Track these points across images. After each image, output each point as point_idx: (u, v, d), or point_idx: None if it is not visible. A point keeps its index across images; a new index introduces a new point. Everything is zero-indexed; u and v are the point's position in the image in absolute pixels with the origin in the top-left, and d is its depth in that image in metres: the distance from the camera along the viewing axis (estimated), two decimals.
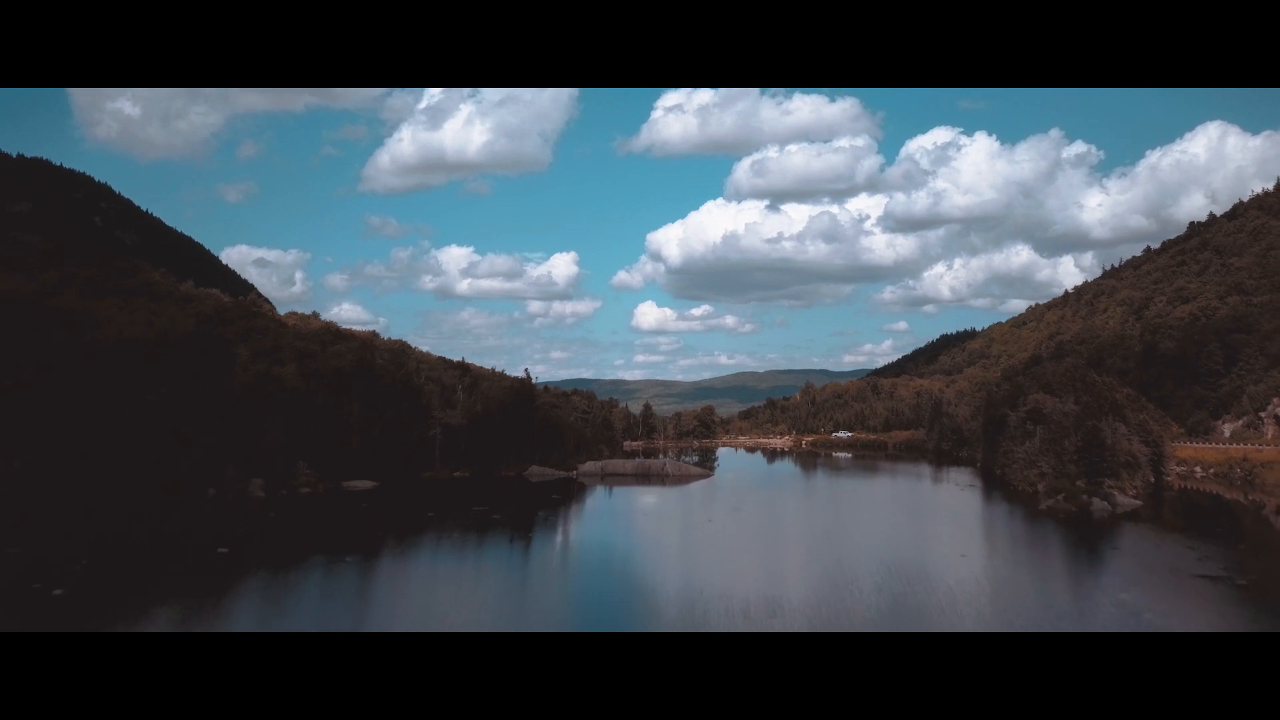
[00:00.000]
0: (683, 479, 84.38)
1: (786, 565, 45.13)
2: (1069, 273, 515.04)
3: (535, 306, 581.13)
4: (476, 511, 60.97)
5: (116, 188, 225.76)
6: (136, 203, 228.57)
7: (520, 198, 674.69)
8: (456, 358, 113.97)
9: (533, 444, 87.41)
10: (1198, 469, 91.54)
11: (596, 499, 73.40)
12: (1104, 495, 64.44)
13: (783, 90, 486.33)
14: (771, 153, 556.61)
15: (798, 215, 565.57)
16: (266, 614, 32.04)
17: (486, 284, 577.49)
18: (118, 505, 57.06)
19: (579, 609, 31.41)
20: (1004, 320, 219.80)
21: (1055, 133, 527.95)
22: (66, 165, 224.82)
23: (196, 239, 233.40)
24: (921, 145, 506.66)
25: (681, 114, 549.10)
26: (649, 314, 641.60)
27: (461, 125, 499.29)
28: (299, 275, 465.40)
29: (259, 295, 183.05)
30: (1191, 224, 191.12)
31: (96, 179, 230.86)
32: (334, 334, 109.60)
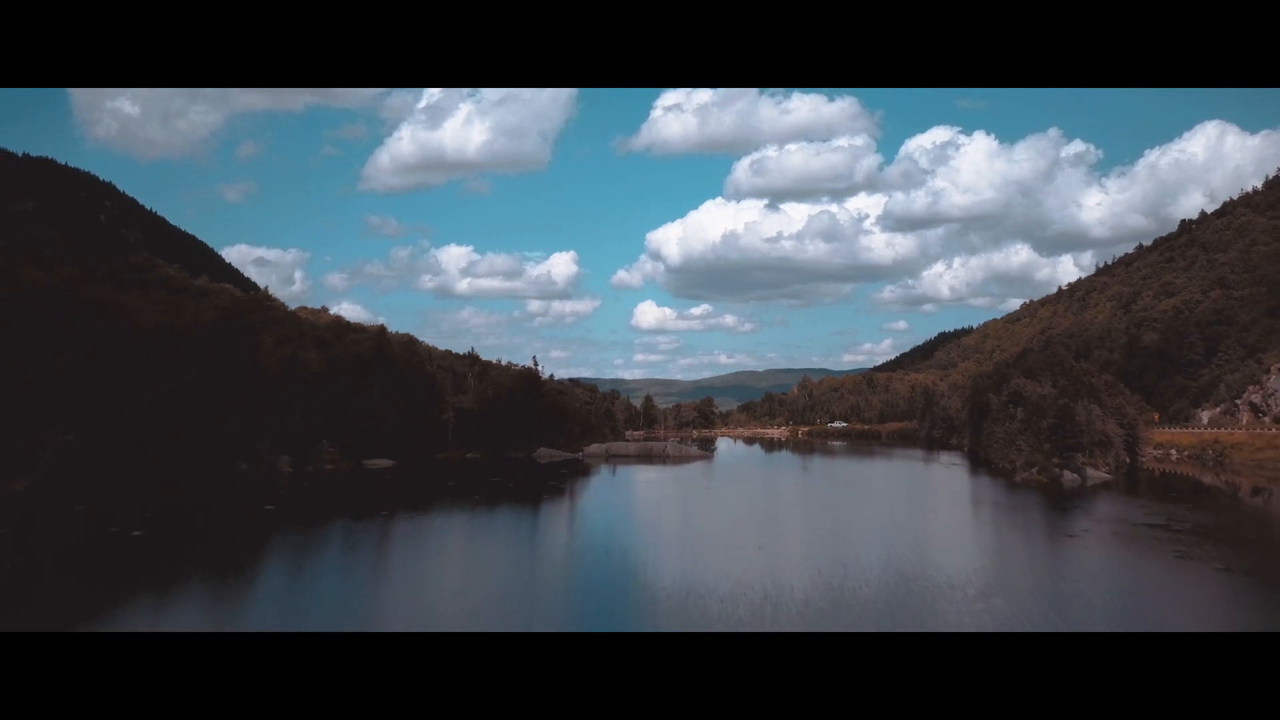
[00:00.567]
0: (683, 460, 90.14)
1: (781, 522, 50.86)
2: (1068, 272, 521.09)
3: (535, 306, 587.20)
4: (493, 482, 66.70)
5: (118, 187, 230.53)
6: (140, 201, 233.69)
7: (520, 197, 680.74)
8: (460, 353, 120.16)
9: (540, 428, 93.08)
10: (1173, 451, 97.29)
11: (602, 474, 79.13)
12: (1075, 468, 70.22)
13: (781, 90, 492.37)
14: (770, 152, 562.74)
15: (797, 214, 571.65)
16: (308, 561, 37.82)
17: (486, 283, 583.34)
18: (162, 475, 62.66)
19: (585, 558, 37.02)
20: (1000, 317, 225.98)
21: (1054, 132, 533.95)
22: (66, 164, 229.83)
23: (199, 238, 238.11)
24: (920, 144, 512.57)
25: (681, 113, 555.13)
26: (648, 313, 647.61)
27: (461, 124, 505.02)
28: (298, 274, 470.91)
29: (267, 292, 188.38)
30: (1182, 222, 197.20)
31: (101, 178, 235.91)
32: (345, 326, 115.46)
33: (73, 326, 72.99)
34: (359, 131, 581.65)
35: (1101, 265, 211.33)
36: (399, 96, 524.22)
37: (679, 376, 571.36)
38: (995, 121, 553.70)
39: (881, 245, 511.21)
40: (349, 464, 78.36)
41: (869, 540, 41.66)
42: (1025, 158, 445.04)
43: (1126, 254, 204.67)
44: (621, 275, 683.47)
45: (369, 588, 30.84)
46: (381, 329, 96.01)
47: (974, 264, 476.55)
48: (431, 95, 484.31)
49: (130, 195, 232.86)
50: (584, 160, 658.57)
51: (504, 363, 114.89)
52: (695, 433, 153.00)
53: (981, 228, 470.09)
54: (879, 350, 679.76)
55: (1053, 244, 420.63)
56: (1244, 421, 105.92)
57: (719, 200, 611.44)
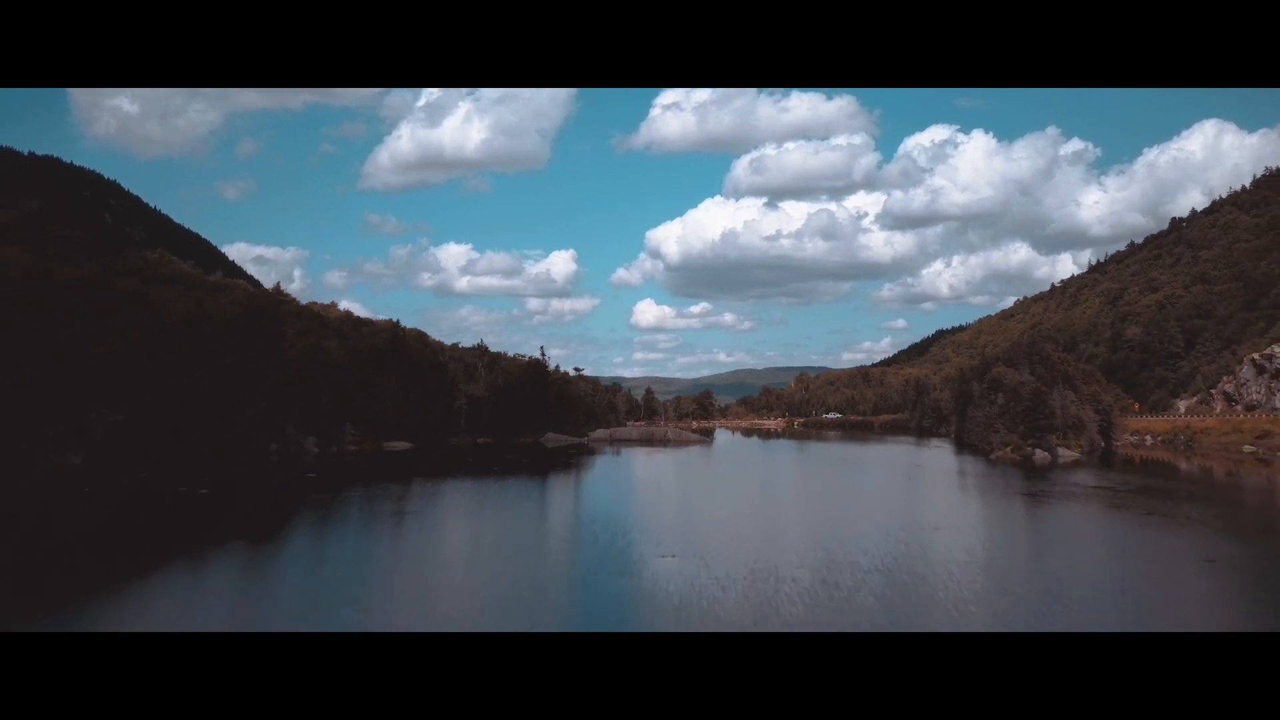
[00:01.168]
0: (683, 444, 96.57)
1: (773, 488, 57.28)
2: (1067, 270, 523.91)
3: (534, 304, 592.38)
4: (508, 459, 73.06)
5: (121, 185, 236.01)
6: (144, 200, 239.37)
7: (519, 195, 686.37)
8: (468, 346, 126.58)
9: (547, 415, 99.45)
10: (1148, 437, 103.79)
11: (607, 455, 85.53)
12: (1047, 448, 76.71)
13: (780, 88, 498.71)
14: (769, 150, 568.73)
15: (796, 213, 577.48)
16: (371, 515, 44.21)
17: (485, 281, 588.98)
18: (202, 454, 68.94)
19: (591, 521, 43.35)
20: (994, 314, 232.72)
21: (1052, 130, 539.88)
22: (71, 163, 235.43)
23: (203, 236, 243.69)
24: (919, 143, 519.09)
25: (679, 112, 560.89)
26: (648, 311, 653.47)
27: (460, 123, 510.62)
28: (298, 273, 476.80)
29: (280, 288, 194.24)
30: (1173, 219, 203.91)
31: (105, 176, 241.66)
32: (358, 321, 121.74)
33: (113, 317, 79.30)
34: (358, 130, 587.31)
35: (1094, 263, 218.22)
36: (398, 95, 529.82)
37: (678, 375, 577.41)
38: (994, 120, 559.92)
39: (880, 244, 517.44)
40: (370, 446, 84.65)
41: (851, 499, 48.15)
42: (1024, 156, 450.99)
43: (1118, 251, 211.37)
44: (621, 273, 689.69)
45: (417, 542, 37.24)
46: (395, 323, 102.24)
47: (973, 262, 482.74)
48: (430, 94, 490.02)
49: (134, 194, 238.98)
50: (583, 159, 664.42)
51: (510, 355, 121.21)
52: (694, 424, 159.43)
53: (980, 226, 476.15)
54: (878, 348, 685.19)
55: (1052, 242, 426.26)
56: (1218, 410, 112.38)
57: (718, 199, 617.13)
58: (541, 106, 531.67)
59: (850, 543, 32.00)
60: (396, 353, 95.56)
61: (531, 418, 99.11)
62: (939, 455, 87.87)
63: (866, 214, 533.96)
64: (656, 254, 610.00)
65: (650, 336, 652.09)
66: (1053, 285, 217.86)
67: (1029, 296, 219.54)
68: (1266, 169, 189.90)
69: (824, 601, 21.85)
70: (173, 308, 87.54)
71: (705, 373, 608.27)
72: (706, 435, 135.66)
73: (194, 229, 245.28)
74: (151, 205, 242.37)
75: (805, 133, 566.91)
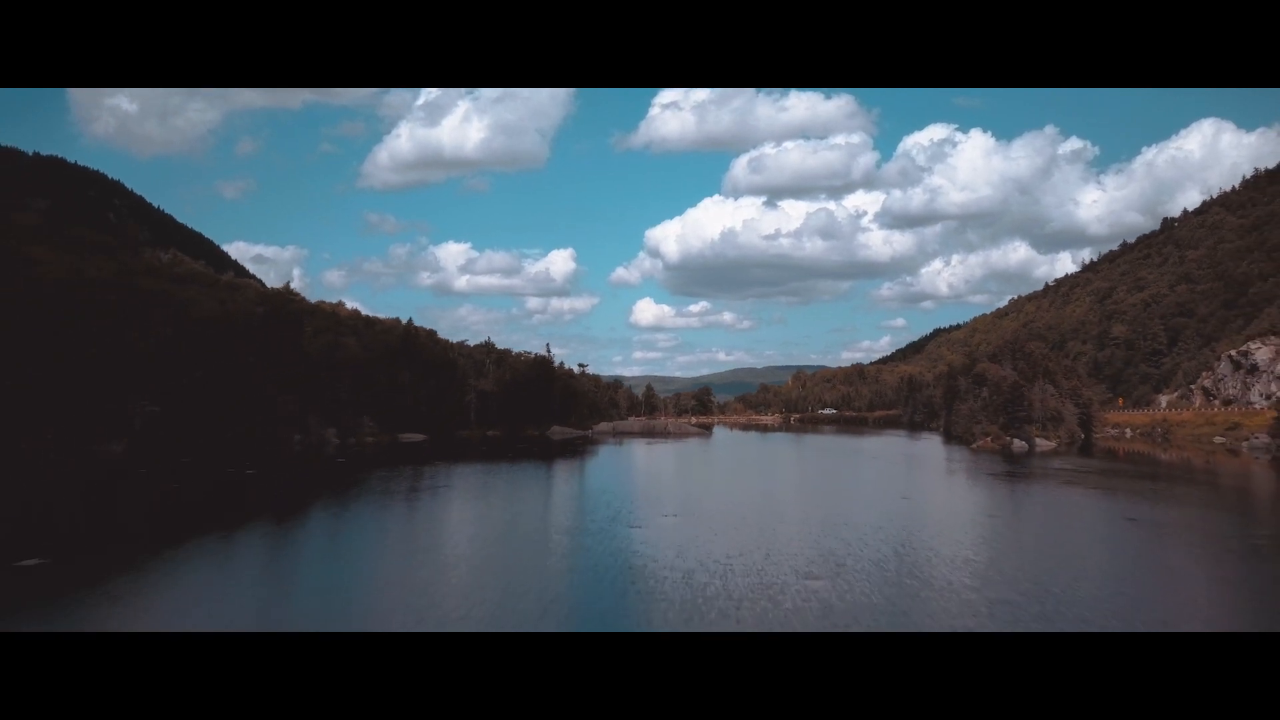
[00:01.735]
0: (683, 436, 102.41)
1: (767, 472, 63.05)
2: (1067, 269, 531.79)
3: (533, 303, 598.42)
4: (521, 449, 78.83)
5: (125, 184, 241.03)
6: (148, 199, 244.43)
7: (518, 194, 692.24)
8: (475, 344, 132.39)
9: (553, 409, 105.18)
10: (1128, 430, 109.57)
11: (611, 447, 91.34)
12: (1025, 438, 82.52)
13: (778, 88, 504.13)
14: (768, 150, 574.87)
15: (795, 212, 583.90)
16: (378, 488, 49.93)
17: (484, 280, 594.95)
18: (232, 443, 74.63)
19: (603, 490, 49.13)
20: (990, 313, 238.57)
21: (1050, 129, 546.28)
22: (76, 163, 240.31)
23: (206, 235, 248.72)
24: (917, 142, 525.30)
25: (678, 111, 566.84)
26: (647, 310, 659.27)
27: (459, 122, 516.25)
28: (297, 271, 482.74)
29: (289, 287, 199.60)
30: (1165, 219, 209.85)
31: (109, 176, 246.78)
32: (369, 319, 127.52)
33: (145, 315, 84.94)
34: (357, 129, 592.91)
35: (1086, 262, 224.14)
36: (397, 94, 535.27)
37: (677, 374, 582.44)
38: (992, 119, 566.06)
39: (879, 243, 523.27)
40: (386, 438, 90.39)
41: (832, 477, 53.93)
42: (1022, 155, 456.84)
43: (1111, 251, 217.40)
44: (620, 272, 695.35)
45: (455, 513, 43.00)
46: (408, 321, 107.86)
47: (972, 261, 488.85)
48: (429, 93, 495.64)
49: (138, 193, 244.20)
50: (582, 158, 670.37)
51: (516, 352, 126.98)
52: (693, 419, 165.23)
53: (979, 225, 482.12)
54: (877, 347, 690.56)
55: (1051, 241, 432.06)
56: (1197, 404, 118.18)
57: (717, 198, 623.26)
58: (540, 106, 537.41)
59: (827, 506, 37.80)
60: (409, 349, 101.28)
61: (538, 412, 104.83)
62: (923, 445, 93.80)
63: (865, 213, 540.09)
64: (656, 253, 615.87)
65: (649, 335, 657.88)
66: (1046, 284, 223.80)
67: (1023, 295, 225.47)
68: (1255, 170, 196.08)
69: (798, 550, 27.66)
70: (198, 307, 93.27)
71: (705, 372, 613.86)
72: (705, 430, 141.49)
73: (195, 228, 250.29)
74: (155, 205, 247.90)
75: (804, 132, 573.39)
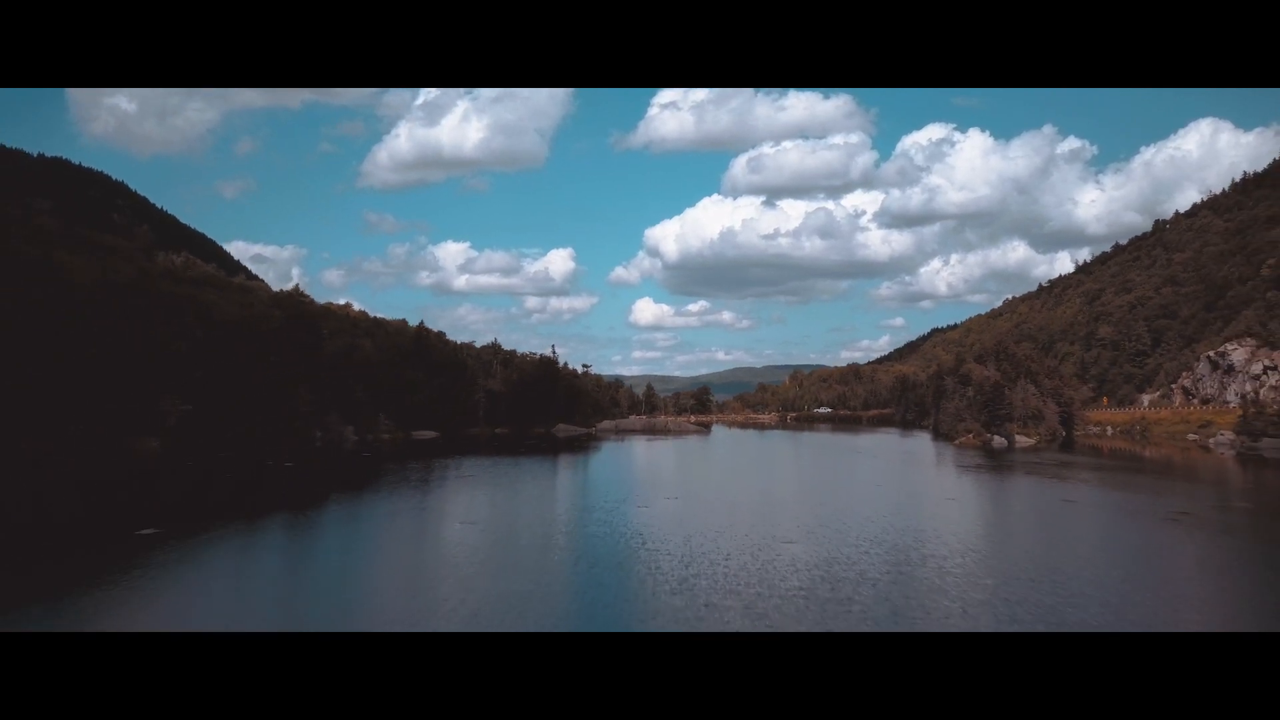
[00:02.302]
0: (682, 434, 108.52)
1: (755, 460, 69.12)
2: (1065, 269, 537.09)
3: (532, 302, 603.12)
4: (530, 445, 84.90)
5: (128, 185, 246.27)
6: (151, 200, 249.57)
7: (517, 194, 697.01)
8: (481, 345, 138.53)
9: (558, 407, 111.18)
10: (1109, 428, 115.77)
11: (615, 443, 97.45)
12: (1004, 434, 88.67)
13: (777, 88, 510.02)
14: (767, 149, 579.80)
15: (794, 211, 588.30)
16: (401, 475, 55.90)
17: (484, 280, 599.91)
18: (260, 439, 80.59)
19: (609, 478, 55.13)
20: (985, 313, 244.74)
21: (1049, 129, 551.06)
22: (80, 164, 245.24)
23: (209, 235, 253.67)
24: (916, 141, 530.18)
25: (677, 111, 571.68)
26: (646, 310, 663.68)
27: (458, 122, 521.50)
28: (296, 271, 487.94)
29: (298, 289, 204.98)
30: (1156, 222, 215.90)
31: (113, 177, 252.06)
32: (379, 321, 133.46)
33: (175, 319, 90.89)
34: (357, 129, 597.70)
35: (1080, 263, 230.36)
36: (396, 94, 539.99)
37: (677, 373, 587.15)
38: (990, 119, 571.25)
39: (878, 242, 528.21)
40: (401, 435, 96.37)
41: (819, 467, 60.02)
42: (1020, 155, 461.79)
43: (1104, 253, 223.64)
44: (619, 272, 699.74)
45: (479, 500, 49.03)
46: (420, 324, 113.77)
47: (971, 261, 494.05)
48: (429, 93, 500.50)
49: (141, 194, 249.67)
50: (581, 157, 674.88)
51: (522, 353, 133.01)
52: (692, 418, 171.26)
53: (978, 225, 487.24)
54: (876, 346, 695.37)
55: (1050, 241, 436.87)
56: (1177, 403, 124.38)
57: (716, 197, 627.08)
58: (540, 106, 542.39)
59: (810, 489, 43.88)
60: (421, 350, 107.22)
61: (544, 410, 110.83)
62: (910, 442, 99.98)
63: (864, 212, 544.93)
64: (655, 252, 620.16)
65: (649, 335, 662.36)
66: (1040, 285, 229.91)
67: (1016, 296, 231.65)
68: (1244, 174, 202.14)
69: (780, 519, 33.72)
70: (220, 310, 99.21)
71: (704, 371, 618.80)
72: (704, 428, 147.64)
73: (197, 228, 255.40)
74: (158, 205, 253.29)
75: (802, 132, 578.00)
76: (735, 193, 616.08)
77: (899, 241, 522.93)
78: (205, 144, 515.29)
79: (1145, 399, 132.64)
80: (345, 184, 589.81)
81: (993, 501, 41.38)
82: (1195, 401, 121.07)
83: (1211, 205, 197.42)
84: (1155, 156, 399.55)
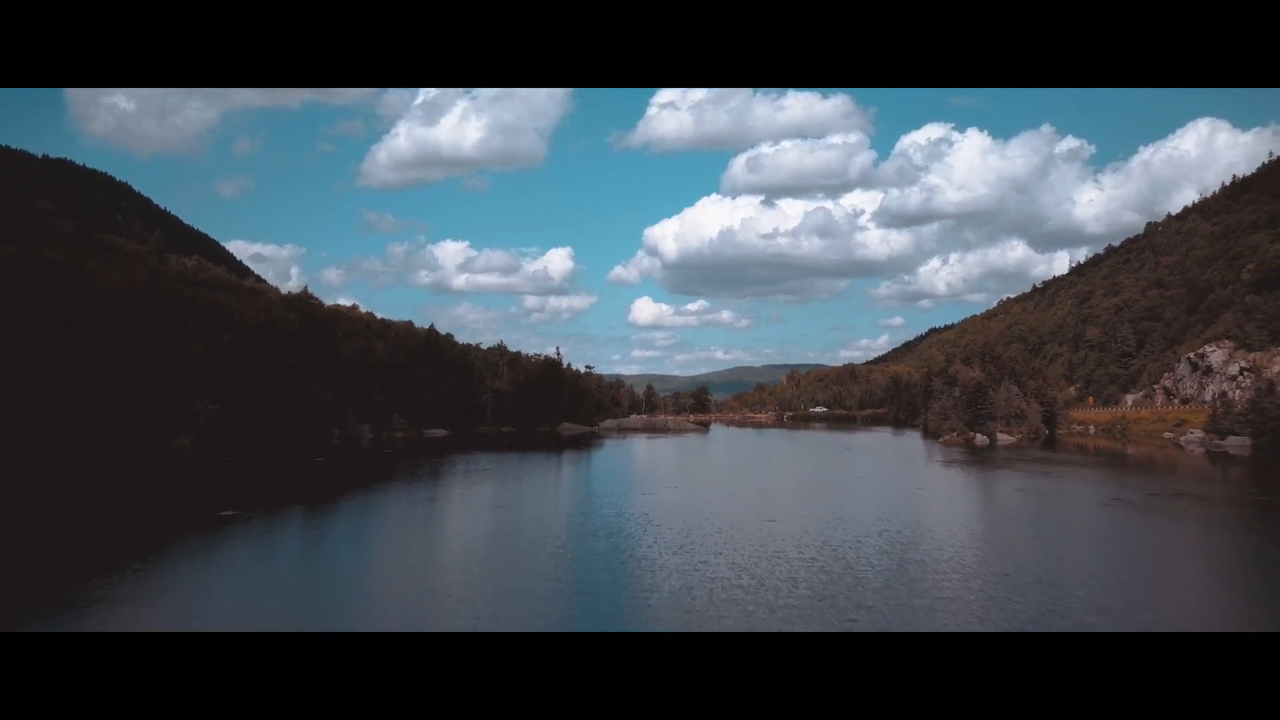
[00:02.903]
0: (681, 432, 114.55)
1: (750, 455, 75.11)
2: (1064, 268, 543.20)
3: (531, 301, 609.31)
4: (537, 443, 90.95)
5: (131, 185, 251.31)
6: (154, 201, 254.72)
7: (516, 193, 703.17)
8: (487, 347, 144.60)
9: (562, 407, 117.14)
10: (1091, 427, 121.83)
11: (618, 441, 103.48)
12: (986, 433, 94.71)
13: (775, 88, 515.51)
14: (765, 149, 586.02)
15: (792, 211, 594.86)
16: (421, 466, 61.85)
17: (483, 279, 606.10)
18: (283, 438, 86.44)
19: (614, 470, 61.12)
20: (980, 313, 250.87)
21: (1047, 128, 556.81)
22: (84, 165, 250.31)
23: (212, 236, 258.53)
24: (914, 141, 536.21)
25: (676, 111, 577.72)
26: (645, 309, 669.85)
27: (457, 121, 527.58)
28: (295, 270, 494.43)
29: (307, 291, 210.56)
30: (1149, 224, 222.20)
31: (117, 178, 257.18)
32: (385, 323, 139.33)
33: (200, 322, 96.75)
34: (356, 128, 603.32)
35: (1074, 264, 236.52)
36: (395, 94, 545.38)
37: (676, 372, 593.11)
38: (988, 118, 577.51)
39: (876, 241, 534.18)
40: (414, 433, 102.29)
41: (813, 461, 66.07)
42: (1019, 154, 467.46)
43: (1096, 254, 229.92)
44: (618, 271, 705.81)
45: (504, 488, 55.03)
46: (431, 327, 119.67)
47: (970, 260, 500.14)
48: (428, 93, 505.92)
49: (145, 194, 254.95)
50: (580, 157, 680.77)
51: (527, 354, 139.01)
52: (691, 417, 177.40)
53: (976, 224, 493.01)
54: (875, 346, 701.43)
55: (1048, 240, 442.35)
56: (1159, 403, 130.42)
57: (715, 196, 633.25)
58: (539, 105, 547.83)
59: (797, 479, 49.88)
60: (431, 352, 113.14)
61: (549, 409, 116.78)
62: (899, 439, 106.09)
63: (863, 212, 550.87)
64: (654, 252, 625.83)
65: (648, 334, 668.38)
66: (1034, 286, 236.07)
67: (1011, 297, 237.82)
68: (1234, 177, 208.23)
69: (768, 500, 39.70)
70: (242, 314, 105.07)
71: (703, 370, 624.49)
72: (703, 427, 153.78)
73: (200, 229, 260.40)
74: (161, 206, 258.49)
75: (801, 131, 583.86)
76: (734, 192, 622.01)
77: (898, 241, 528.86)
78: (204, 143, 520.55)
79: (1129, 399, 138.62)
80: (344, 183, 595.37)
81: (952, 489, 47.41)
82: (1176, 401, 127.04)
83: (1201, 209, 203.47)
84: (1153, 156, 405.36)
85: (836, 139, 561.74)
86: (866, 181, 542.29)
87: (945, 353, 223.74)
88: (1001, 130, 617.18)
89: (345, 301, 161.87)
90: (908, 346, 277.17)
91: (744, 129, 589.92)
